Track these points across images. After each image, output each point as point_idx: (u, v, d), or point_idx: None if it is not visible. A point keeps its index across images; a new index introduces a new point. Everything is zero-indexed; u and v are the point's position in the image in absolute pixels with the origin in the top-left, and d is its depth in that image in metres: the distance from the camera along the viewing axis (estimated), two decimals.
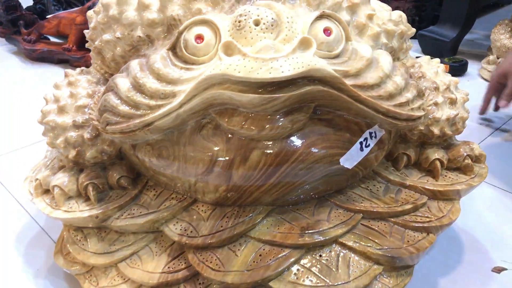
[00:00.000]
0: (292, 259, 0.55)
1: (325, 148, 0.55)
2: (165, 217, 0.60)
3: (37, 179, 0.66)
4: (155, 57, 0.56)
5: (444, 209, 0.63)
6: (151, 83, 0.54)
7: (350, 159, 0.57)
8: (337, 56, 0.54)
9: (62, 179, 0.64)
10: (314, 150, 0.54)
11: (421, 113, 0.59)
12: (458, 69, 1.32)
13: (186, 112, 0.53)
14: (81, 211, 0.62)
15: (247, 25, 0.52)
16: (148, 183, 0.65)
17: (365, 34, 0.61)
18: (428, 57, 0.73)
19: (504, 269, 0.71)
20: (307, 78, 0.51)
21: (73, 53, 1.33)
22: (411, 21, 1.61)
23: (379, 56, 0.58)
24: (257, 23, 0.52)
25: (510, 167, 0.95)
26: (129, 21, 0.60)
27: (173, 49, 0.56)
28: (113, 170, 0.64)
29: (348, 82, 0.52)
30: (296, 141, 0.54)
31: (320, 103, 0.54)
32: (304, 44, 0.51)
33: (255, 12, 0.52)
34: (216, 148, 0.54)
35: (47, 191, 0.67)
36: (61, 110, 0.63)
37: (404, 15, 0.68)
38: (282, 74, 0.48)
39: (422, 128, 0.64)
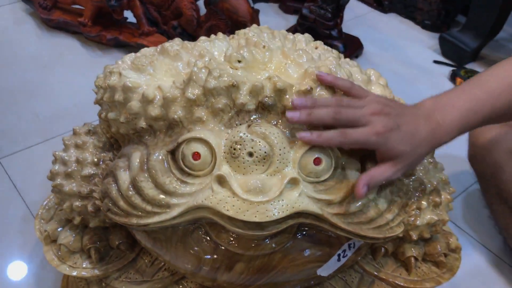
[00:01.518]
0: None
1: (304, 263, 0.60)
2: (158, 287, 0.68)
3: (45, 231, 0.73)
4: (155, 161, 0.58)
5: None
6: (149, 189, 0.58)
7: (326, 269, 0.62)
8: (321, 182, 0.57)
9: (68, 238, 0.70)
10: (295, 263, 0.60)
11: (400, 229, 0.62)
12: None
13: (178, 223, 0.57)
14: (84, 269, 0.70)
15: (241, 155, 0.55)
16: (143, 250, 0.72)
17: None
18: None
19: None
20: (291, 215, 0.54)
21: (88, 29, 1.33)
22: (437, 15, 1.55)
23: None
24: (250, 155, 0.55)
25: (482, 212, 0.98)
26: (134, 111, 0.62)
27: (172, 153, 0.59)
28: (113, 234, 0.70)
29: (330, 210, 0.56)
30: (278, 257, 0.59)
31: (303, 223, 0.58)
32: (292, 182, 0.54)
33: (250, 145, 0.54)
34: (204, 254, 0.60)
35: (54, 241, 0.73)
36: (68, 176, 0.68)
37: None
38: (267, 219, 0.52)
39: (400, 235, 0.68)
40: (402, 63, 1.44)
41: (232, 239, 0.57)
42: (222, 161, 0.56)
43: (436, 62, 1.45)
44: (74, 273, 0.69)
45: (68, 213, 0.69)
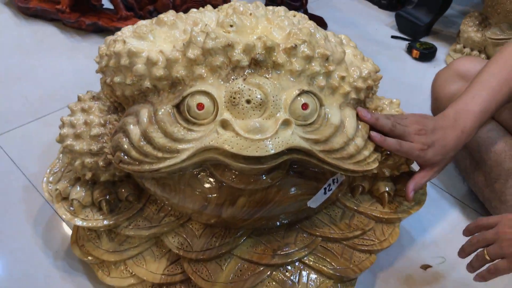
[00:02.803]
0: (265, 276, 0.72)
1: (297, 195, 0.70)
2: (165, 231, 0.76)
3: (57, 189, 0.80)
4: (162, 114, 0.67)
5: (386, 232, 0.80)
6: (159, 138, 0.66)
7: (315, 201, 0.72)
8: (311, 123, 0.67)
9: (79, 193, 0.78)
10: (288, 195, 0.69)
11: (375, 164, 0.73)
12: (427, 56, 1.44)
13: (187, 166, 0.66)
14: (95, 220, 0.77)
15: (240, 103, 0.64)
16: (150, 197, 0.80)
17: (336, 93, 0.73)
18: (390, 99, 0.85)
19: (429, 266, 0.90)
20: (284, 151, 0.64)
21: (66, 15, 1.38)
22: None
23: (346, 118, 0.71)
24: (248, 102, 0.64)
25: (451, 171, 1.11)
26: (139, 73, 0.70)
27: (177, 106, 0.67)
28: (122, 187, 0.78)
29: (317, 148, 0.66)
30: (274, 190, 0.69)
31: (294, 161, 0.68)
32: (285, 123, 0.63)
33: (247, 93, 0.64)
34: (210, 193, 0.69)
35: (65, 198, 0.80)
36: (78, 137, 0.75)
37: (373, 68, 0.79)
38: (266, 153, 0.62)
39: (375, 170, 0.79)
40: (363, 39, 1.56)
41: (234, 176, 0.66)
42: (224, 109, 0.64)
43: (393, 37, 1.58)
44: (88, 224, 0.77)
45: (80, 171, 0.76)
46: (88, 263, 0.83)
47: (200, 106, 0.65)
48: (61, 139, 0.77)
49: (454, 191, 1.07)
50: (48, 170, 0.87)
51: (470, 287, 0.86)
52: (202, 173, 0.69)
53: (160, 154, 0.66)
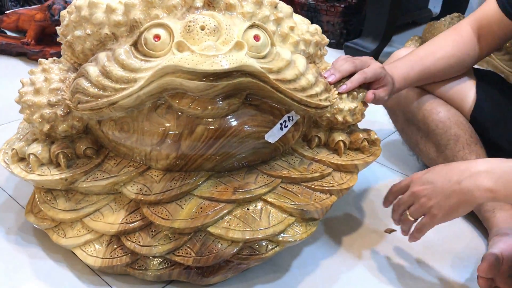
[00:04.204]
0: (226, 211, 0.71)
1: (253, 126, 0.72)
2: (124, 180, 0.75)
3: (13, 148, 0.79)
4: (120, 51, 0.70)
5: (345, 178, 0.81)
6: (117, 71, 0.68)
7: (272, 136, 0.74)
8: (264, 57, 0.71)
9: (36, 148, 0.77)
10: (245, 127, 0.71)
11: (327, 103, 0.77)
12: None
13: (145, 94, 0.68)
14: (52, 175, 0.76)
15: (195, 29, 0.68)
16: (109, 154, 0.79)
17: (287, 42, 0.79)
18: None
19: (394, 230, 0.90)
20: (240, 72, 0.67)
21: (31, 47, 1.43)
22: (340, 34, 1.84)
23: (296, 59, 0.75)
24: (202, 28, 0.68)
25: (405, 154, 1.15)
26: (98, 21, 0.74)
27: (135, 45, 0.71)
28: (80, 142, 0.78)
29: (271, 76, 0.69)
30: (232, 120, 0.70)
31: (250, 92, 0.71)
32: (238, 46, 0.67)
33: (201, 20, 0.68)
34: (168, 124, 0.70)
35: (21, 160, 0.79)
36: (37, 92, 0.76)
37: (319, 28, 0.86)
38: (221, 67, 0.65)
39: (329, 115, 0.82)
40: None
41: (191, 103, 0.68)
42: (179, 38, 0.68)
43: None
44: (44, 179, 0.75)
45: (38, 124, 0.76)
46: (43, 230, 0.79)
47: (157, 37, 0.69)
48: (20, 96, 0.77)
49: (409, 171, 1.10)
50: (5, 144, 0.86)
51: (434, 246, 0.87)
52: (159, 106, 0.70)
53: (118, 86, 0.68)
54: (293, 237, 0.73)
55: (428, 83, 1.02)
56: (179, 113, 0.69)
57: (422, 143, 1.05)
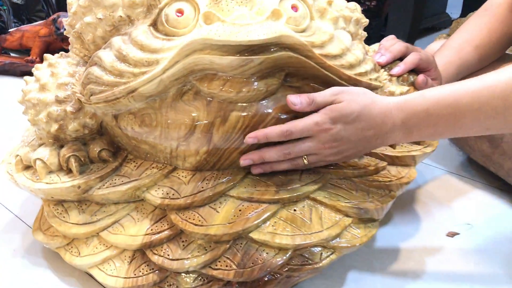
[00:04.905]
0: (269, 212, 0.59)
1: (295, 111, 0.61)
2: (147, 184, 0.64)
3: (17, 155, 0.68)
4: (137, 31, 0.60)
5: (402, 172, 0.70)
6: (135, 53, 0.58)
7: None
8: (303, 31, 0.61)
9: (43, 152, 0.66)
10: (286, 112, 0.60)
11: (378, 84, 0.66)
12: None
13: (168, 77, 0.57)
14: (63, 182, 0.65)
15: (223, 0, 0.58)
16: (128, 157, 0.69)
17: (325, 18, 0.68)
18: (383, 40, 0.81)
19: (457, 233, 0.78)
20: (279, 45, 0.57)
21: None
22: None
23: (340, 33, 0.65)
24: None
25: (455, 154, 1.04)
26: (111, 3, 0.64)
27: (154, 25, 0.61)
28: (94, 144, 0.67)
29: (315, 51, 0.59)
30: (270, 104, 0.60)
31: (290, 71, 0.61)
32: (276, 15, 0.57)
33: None
34: (196, 113, 0.59)
35: (27, 168, 0.69)
36: (43, 88, 0.66)
37: (358, 6, 0.76)
38: (258, 37, 0.54)
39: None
40: None
41: (223, 84, 0.58)
42: (206, 9, 0.58)
43: None
44: (54, 187, 0.64)
45: (45, 125, 0.65)
46: (53, 250, 0.68)
47: (179, 12, 0.59)
48: (24, 94, 0.67)
49: (458, 170, 0.98)
50: (8, 155, 0.76)
51: (497, 251, 0.74)
52: (186, 92, 0.60)
53: (137, 70, 0.58)
54: (351, 241, 0.60)
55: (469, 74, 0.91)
56: (209, 99, 0.59)
57: (473, 139, 0.93)
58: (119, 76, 0.59)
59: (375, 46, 0.80)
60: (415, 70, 0.75)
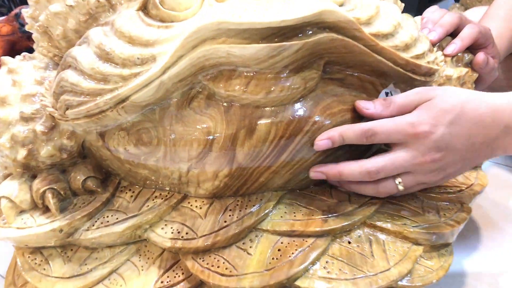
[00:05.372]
0: (319, 250, 0.44)
1: (342, 112, 0.46)
2: (150, 221, 0.48)
3: None
4: (122, 19, 0.45)
5: (470, 176, 0.55)
6: (122, 48, 0.43)
7: None
8: (341, 5, 0.46)
9: (10, 187, 0.50)
10: (331, 114, 0.45)
11: (436, 67, 0.51)
12: None
13: (171, 79, 0.42)
14: (39, 226, 0.49)
15: None
16: (121, 184, 0.53)
17: None
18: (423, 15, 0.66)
19: None
20: (318, 25, 0.42)
21: None
22: None
23: (386, 5, 0.50)
24: None
25: None
26: None
27: (144, 8, 0.45)
28: (76, 171, 0.51)
29: (364, 30, 0.44)
30: (308, 105, 0.45)
31: (330, 59, 0.46)
32: None
33: None
34: (211, 123, 0.44)
35: None
36: (2, 103, 0.50)
37: None
38: (294, 16, 0.39)
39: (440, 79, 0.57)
40: None
41: (246, 83, 0.42)
42: None
43: None
44: (27, 234, 0.48)
45: (9, 151, 0.49)
46: None
47: None
48: None
49: None
50: None
51: None
52: (194, 97, 0.45)
53: (126, 71, 0.42)
54: (426, 278, 0.45)
55: None
56: (227, 104, 0.44)
57: None
58: (103, 81, 0.43)
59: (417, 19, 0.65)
60: (469, 47, 0.61)
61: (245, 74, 0.42)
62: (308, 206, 0.48)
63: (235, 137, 0.43)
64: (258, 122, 0.43)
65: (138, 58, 0.42)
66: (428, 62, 0.50)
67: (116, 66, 0.43)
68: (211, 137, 0.44)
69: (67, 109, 0.45)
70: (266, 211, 0.47)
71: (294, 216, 0.47)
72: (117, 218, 0.49)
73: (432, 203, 0.51)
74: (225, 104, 0.44)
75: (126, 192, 0.52)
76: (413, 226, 0.47)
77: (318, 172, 0.46)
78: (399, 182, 0.45)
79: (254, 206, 0.47)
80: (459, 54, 0.59)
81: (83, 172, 0.51)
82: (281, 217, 0.47)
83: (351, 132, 0.43)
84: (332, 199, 0.49)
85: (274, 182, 0.47)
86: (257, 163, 0.45)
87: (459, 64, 0.59)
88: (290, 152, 0.45)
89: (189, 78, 0.43)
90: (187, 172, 0.46)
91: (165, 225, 0.48)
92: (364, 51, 0.44)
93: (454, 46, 0.58)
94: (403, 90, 0.52)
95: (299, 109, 0.44)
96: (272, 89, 0.42)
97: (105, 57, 0.43)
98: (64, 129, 0.49)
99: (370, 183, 0.46)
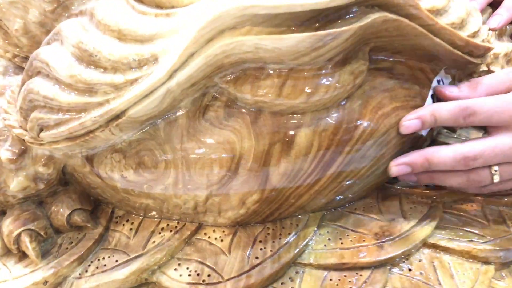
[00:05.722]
0: (379, 286, 0.36)
1: (396, 110, 0.37)
2: (158, 261, 0.38)
3: None
4: (105, 8, 0.34)
5: None
6: (111, 47, 0.32)
7: None
8: None
9: None
10: (384, 115, 0.36)
11: (491, 45, 0.43)
12: None
13: (181, 85, 0.32)
14: (16, 279, 0.38)
15: None
16: (115, 213, 0.43)
17: None
18: None
19: None
20: (365, 3, 0.32)
21: None
22: None
23: None
24: None
25: None
26: None
27: None
28: (57, 204, 0.40)
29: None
30: (358, 105, 0.35)
31: (376, 45, 0.36)
32: None
33: None
34: (237, 137, 0.34)
35: None
36: None
37: None
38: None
39: (485, 68, 0.48)
40: None
41: (280, 85, 0.32)
42: None
43: None
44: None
45: None
46: None
47: None
48: None
49: None
50: None
51: None
52: (210, 104, 0.34)
53: (119, 78, 0.31)
54: None
55: None
56: (256, 112, 0.34)
57: None
58: (87, 92, 0.32)
59: None
60: None
61: (278, 73, 0.32)
62: (356, 229, 0.39)
63: (267, 154, 0.34)
64: (297, 133, 0.33)
65: (134, 60, 0.31)
66: (483, 41, 0.41)
67: (104, 72, 0.32)
68: (236, 156, 0.34)
69: (41, 130, 0.35)
70: (306, 241, 0.38)
71: (341, 243, 0.38)
72: (116, 261, 0.39)
73: (494, 209, 0.43)
74: (251, 110, 0.34)
75: (123, 224, 0.41)
76: (481, 243, 0.39)
77: (401, 165, 0.37)
78: (495, 171, 0.37)
79: (289, 234, 0.38)
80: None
81: (67, 205, 0.40)
82: (325, 245, 0.38)
83: (445, 111, 0.35)
84: (382, 215, 0.40)
85: (315, 203, 0.38)
86: (296, 184, 0.35)
87: (502, 39, 0.50)
88: (337, 167, 0.35)
89: (203, 81, 0.33)
90: (205, 201, 0.37)
91: (179, 264, 0.38)
92: (420, 32, 0.35)
93: (500, 18, 0.49)
94: (453, 77, 0.43)
95: (346, 112, 0.34)
96: (314, 90, 0.32)
97: (88, 59, 0.32)
98: (39, 154, 0.38)
99: (460, 172, 0.37)
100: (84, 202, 0.41)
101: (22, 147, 0.37)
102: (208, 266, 0.37)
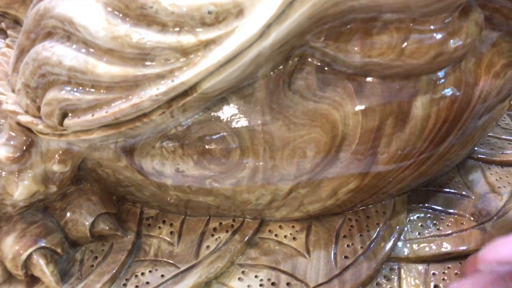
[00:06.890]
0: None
1: (505, 68, 0.30)
2: (220, 271, 0.30)
3: None
4: None
5: None
6: None
7: None
8: None
9: None
10: (495, 74, 0.30)
11: None
12: None
13: (274, 45, 0.23)
14: None
15: None
16: (144, 213, 0.34)
17: None
18: None
19: None
20: None
21: None
22: None
23: None
24: None
25: None
26: None
27: None
28: (74, 209, 0.30)
29: None
30: (472, 64, 0.28)
31: None
32: None
33: None
34: (337, 112, 0.26)
35: None
36: None
37: None
38: None
39: None
40: None
41: (402, 39, 0.25)
42: None
43: None
44: None
45: None
46: None
47: None
48: None
49: None
50: None
51: None
52: (298, 72, 0.26)
53: (189, 39, 0.23)
54: None
55: None
56: (360, 79, 0.26)
57: None
58: (140, 60, 0.23)
59: None
60: None
61: (397, 25, 0.24)
62: (449, 210, 0.33)
63: (377, 132, 0.26)
64: (412, 103, 0.26)
65: (209, 12, 0.22)
66: None
67: (163, 30, 0.22)
68: (337, 137, 0.26)
69: (64, 116, 0.24)
70: (399, 230, 0.31)
71: (438, 229, 0.32)
72: (162, 276, 0.30)
73: None
74: (354, 78, 0.26)
75: (160, 227, 0.32)
76: None
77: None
78: None
79: (378, 224, 0.31)
80: None
81: (88, 210, 0.30)
82: (419, 234, 0.32)
83: None
84: (471, 191, 0.34)
85: (408, 185, 0.32)
86: (403, 166, 0.28)
87: None
88: (450, 142, 0.29)
89: (293, 40, 0.24)
90: (287, 194, 0.29)
91: (243, 272, 0.31)
92: None
93: None
94: None
95: (462, 73, 0.28)
96: (441, 46, 0.25)
97: (137, 13, 0.22)
98: (52, 148, 0.27)
99: None
100: (108, 205, 0.31)
101: (26, 139, 0.27)
102: (285, 272, 0.30)
